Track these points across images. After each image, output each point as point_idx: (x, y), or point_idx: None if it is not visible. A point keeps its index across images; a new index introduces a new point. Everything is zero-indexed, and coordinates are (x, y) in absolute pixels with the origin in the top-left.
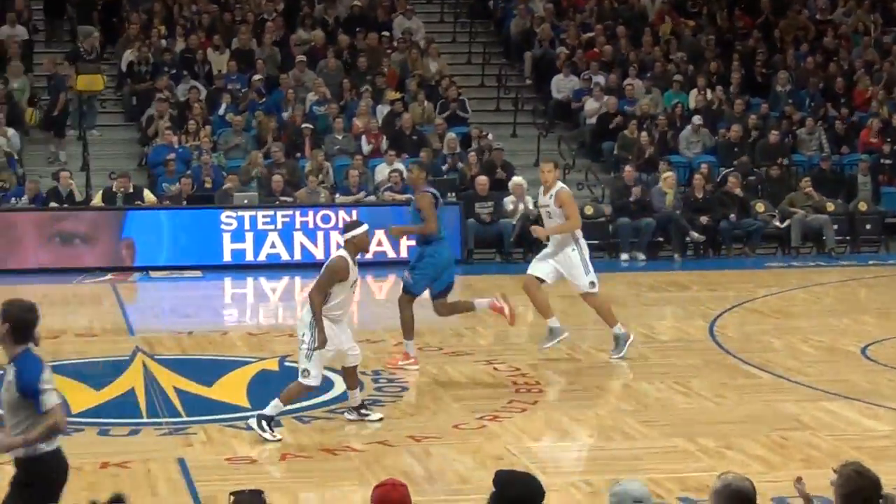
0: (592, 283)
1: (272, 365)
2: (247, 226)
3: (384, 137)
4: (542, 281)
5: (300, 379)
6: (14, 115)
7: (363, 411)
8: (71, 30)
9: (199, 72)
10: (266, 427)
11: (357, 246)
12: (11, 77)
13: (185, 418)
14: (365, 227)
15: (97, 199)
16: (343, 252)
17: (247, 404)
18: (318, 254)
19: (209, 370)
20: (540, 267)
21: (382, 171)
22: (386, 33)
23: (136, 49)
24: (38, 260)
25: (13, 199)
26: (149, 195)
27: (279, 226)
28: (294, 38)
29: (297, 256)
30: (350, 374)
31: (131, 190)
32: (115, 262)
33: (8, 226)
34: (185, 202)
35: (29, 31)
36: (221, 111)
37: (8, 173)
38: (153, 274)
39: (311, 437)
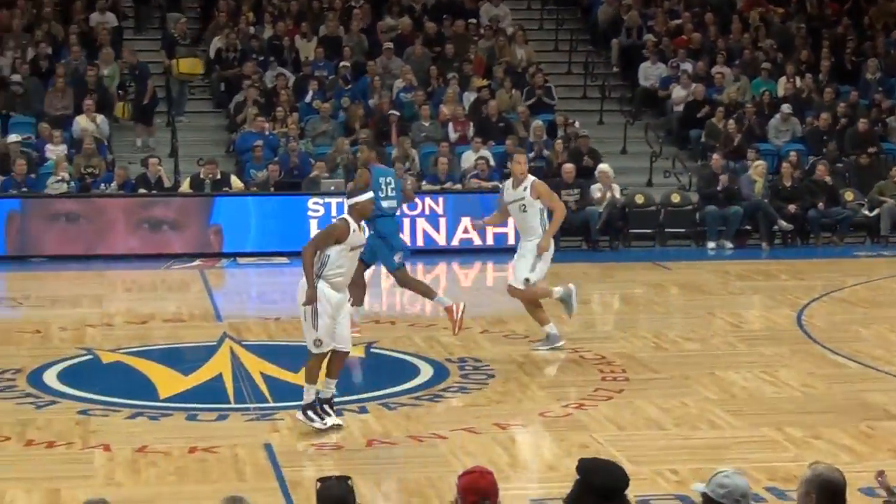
0: (527, 281)
1: (357, 351)
2: (333, 212)
3: (471, 124)
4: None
5: (313, 350)
6: (104, 102)
7: (325, 407)
8: (161, 16)
9: (287, 59)
10: (313, 416)
11: (360, 213)
12: (102, 64)
13: (272, 404)
14: (369, 194)
15: (185, 186)
16: (345, 216)
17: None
18: (405, 240)
19: (295, 356)
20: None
21: (469, 159)
22: (473, 20)
23: (224, 36)
24: (127, 246)
25: (102, 185)
26: (236, 181)
27: None
28: (381, 25)
29: None
30: (335, 361)
31: (219, 176)
32: (203, 248)
33: (97, 212)
34: (272, 189)
35: (118, 18)
36: (308, 98)
37: (97, 159)
38: (240, 260)
39: (397, 424)
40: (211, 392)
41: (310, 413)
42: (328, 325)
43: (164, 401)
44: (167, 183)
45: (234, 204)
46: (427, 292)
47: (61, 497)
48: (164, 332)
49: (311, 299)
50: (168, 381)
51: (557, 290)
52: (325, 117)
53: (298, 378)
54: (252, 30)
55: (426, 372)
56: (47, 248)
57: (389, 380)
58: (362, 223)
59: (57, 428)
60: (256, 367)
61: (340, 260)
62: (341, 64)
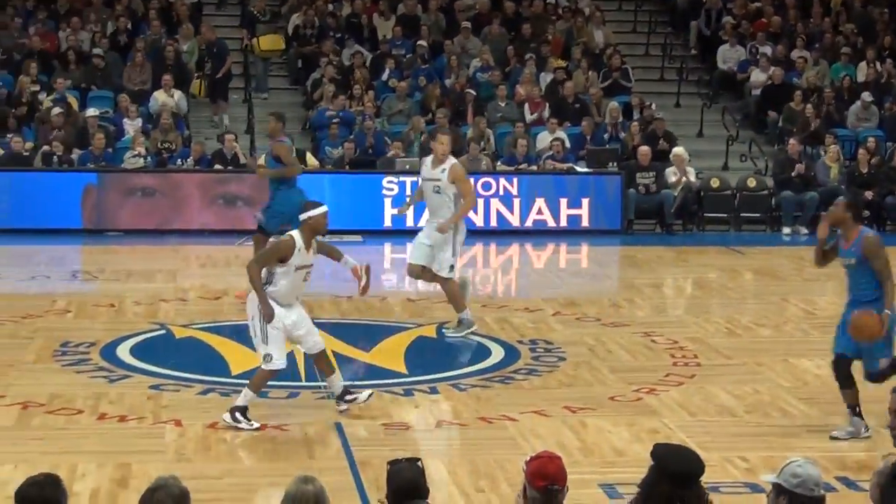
0: (451, 268)
1: (430, 332)
2: (408, 191)
3: (546, 105)
4: (424, 267)
5: (263, 365)
6: (182, 78)
7: (348, 397)
8: None
9: (365, 37)
10: (240, 417)
11: (313, 228)
12: (181, 39)
13: (343, 383)
14: (323, 208)
15: (261, 162)
16: (295, 232)
17: (404, 370)
18: (478, 221)
19: (368, 335)
20: (416, 254)
21: (544, 140)
22: (551, 1)
23: (302, 13)
24: (202, 221)
25: (179, 160)
26: (311, 159)
27: None
28: (459, 4)
29: None
30: (318, 361)
31: (294, 153)
32: None
33: (173, 187)
34: (347, 167)
35: None
36: (385, 76)
37: (174, 135)
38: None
39: (467, 405)
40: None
41: (237, 415)
42: (278, 337)
43: (235, 377)
44: (243, 159)
45: (309, 181)
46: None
47: (132, 471)
48: (236, 308)
49: (269, 317)
50: (240, 358)
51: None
52: (402, 96)
53: (370, 357)
54: (330, 7)
55: (497, 353)
56: (123, 223)
57: (460, 361)
58: (315, 239)
59: (129, 402)
60: (329, 345)
61: (285, 279)
62: (418, 43)
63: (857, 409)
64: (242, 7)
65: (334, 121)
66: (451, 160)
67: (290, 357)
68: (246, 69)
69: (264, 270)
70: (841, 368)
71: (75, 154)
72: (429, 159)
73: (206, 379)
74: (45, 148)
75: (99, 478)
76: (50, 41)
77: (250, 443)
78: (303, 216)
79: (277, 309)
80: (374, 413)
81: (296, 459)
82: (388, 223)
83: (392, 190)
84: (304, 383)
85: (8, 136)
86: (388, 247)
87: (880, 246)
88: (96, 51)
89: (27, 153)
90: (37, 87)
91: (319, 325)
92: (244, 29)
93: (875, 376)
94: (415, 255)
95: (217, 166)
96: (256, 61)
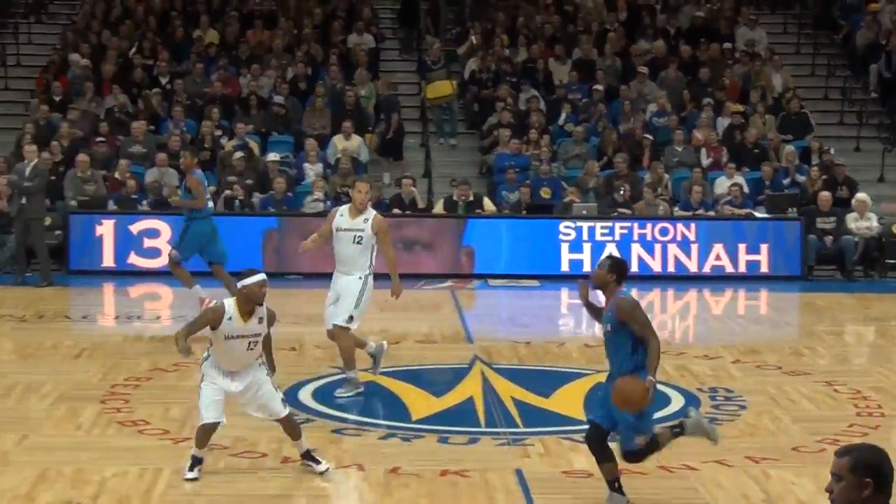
0: (351, 318)
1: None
2: (585, 236)
3: (724, 150)
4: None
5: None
6: (361, 123)
7: (311, 462)
8: (417, 38)
9: (540, 81)
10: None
11: (248, 297)
12: (358, 84)
13: (523, 429)
14: (259, 276)
15: (439, 207)
16: (228, 300)
17: (584, 417)
18: (655, 266)
19: (546, 381)
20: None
21: (722, 185)
22: (728, 44)
23: (479, 58)
24: (381, 264)
25: None
26: (488, 203)
27: (617, 237)
28: (635, 48)
29: (634, 268)
30: (285, 427)
31: (472, 198)
32: (455, 268)
33: None
34: (523, 211)
35: (376, 40)
36: (561, 121)
37: (353, 178)
38: (491, 282)
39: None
40: (462, 415)
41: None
42: (210, 397)
43: (416, 422)
44: (421, 204)
45: (487, 226)
46: (188, 282)
47: None
48: (415, 353)
49: (184, 351)
50: (420, 403)
51: (371, 345)
52: (578, 140)
53: (549, 404)
54: (506, 52)
55: (677, 401)
56: (303, 266)
57: None
58: (258, 308)
59: (311, 446)
60: (507, 391)
61: (219, 346)
62: (594, 87)
63: (617, 483)
64: (419, 53)
65: (511, 165)
66: (372, 210)
67: (470, 403)
68: (423, 113)
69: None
70: (594, 437)
71: (256, 198)
72: (345, 209)
73: (387, 423)
74: (227, 192)
75: None
76: (232, 87)
77: (432, 488)
78: (238, 284)
79: (219, 377)
80: (554, 459)
81: None
82: (564, 268)
83: (569, 235)
84: (483, 429)
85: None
86: (564, 292)
87: (636, 307)
88: (277, 98)
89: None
90: (219, 132)
91: (498, 371)
92: (419, 75)
93: (632, 455)
94: (334, 313)
95: (395, 210)
96: (433, 107)
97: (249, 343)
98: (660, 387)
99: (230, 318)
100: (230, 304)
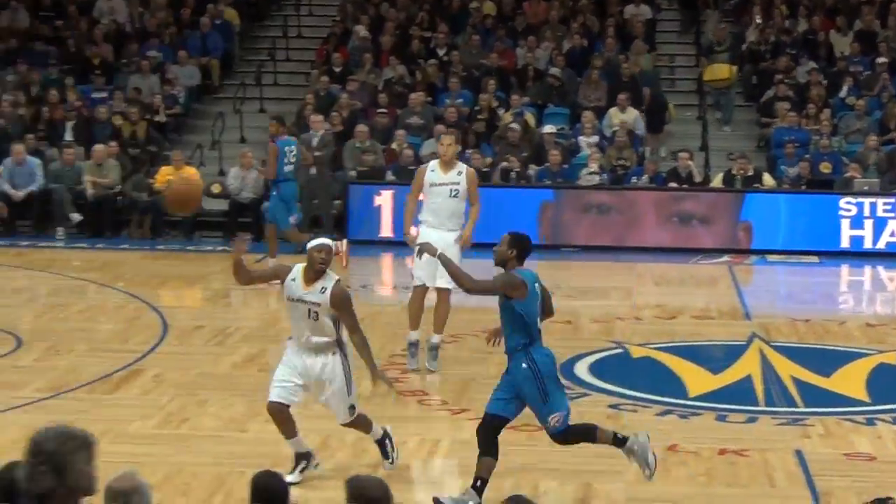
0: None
1: (891, 358)
2: (866, 212)
3: None
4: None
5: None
6: (637, 96)
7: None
8: (696, 20)
9: (821, 53)
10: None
11: (308, 261)
12: (634, 56)
13: (803, 409)
14: (318, 241)
15: (716, 181)
16: (300, 264)
17: (866, 398)
18: None
19: (826, 360)
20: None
21: None
22: None
23: (758, 29)
24: (656, 239)
25: (633, 177)
26: (767, 178)
27: None
28: None
29: None
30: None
31: (751, 172)
32: (732, 244)
33: (629, 204)
34: (803, 186)
35: (653, 10)
36: (843, 94)
37: (629, 152)
38: (769, 258)
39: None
40: (740, 393)
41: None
42: (279, 376)
43: (693, 399)
44: (698, 178)
45: (765, 201)
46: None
47: (592, 491)
48: (691, 328)
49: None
50: (697, 379)
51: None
52: (860, 115)
53: (830, 383)
54: (786, 23)
55: None
56: (579, 238)
57: None
58: (324, 277)
59: (588, 421)
60: (787, 369)
61: (287, 307)
62: (877, 60)
63: (479, 482)
64: (697, 32)
65: (791, 139)
66: (462, 164)
67: (748, 381)
68: (700, 91)
69: None
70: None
71: (532, 170)
72: (434, 163)
73: (664, 400)
74: (504, 164)
75: (561, 496)
76: (508, 58)
77: (710, 466)
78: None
79: (295, 357)
80: (835, 441)
81: (755, 486)
82: (844, 244)
83: (850, 211)
84: (762, 408)
85: (467, 151)
86: (845, 268)
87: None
88: (553, 70)
89: (486, 169)
90: (495, 104)
91: (777, 349)
92: (700, 56)
93: (558, 436)
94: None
95: (672, 184)
96: (711, 90)
97: (309, 310)
98: None
99: (293, 279)
100: (298, 266)
